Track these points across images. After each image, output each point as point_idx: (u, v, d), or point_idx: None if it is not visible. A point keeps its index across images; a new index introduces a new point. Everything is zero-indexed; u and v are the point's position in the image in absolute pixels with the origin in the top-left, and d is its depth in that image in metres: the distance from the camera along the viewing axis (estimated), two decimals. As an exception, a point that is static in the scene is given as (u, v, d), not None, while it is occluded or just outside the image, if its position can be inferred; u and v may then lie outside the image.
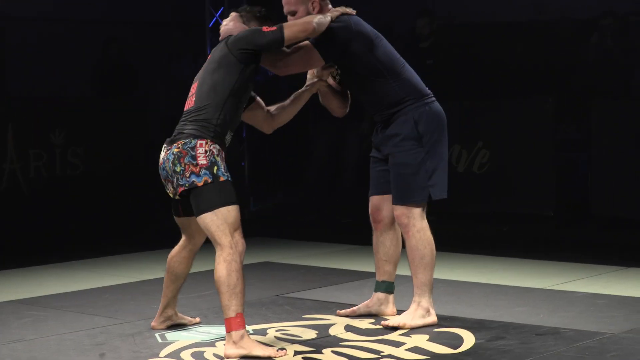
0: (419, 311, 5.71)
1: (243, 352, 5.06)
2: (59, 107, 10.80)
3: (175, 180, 5.18)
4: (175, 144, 5.21)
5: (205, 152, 5.15)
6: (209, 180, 5.12)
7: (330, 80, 5.86)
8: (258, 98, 5.71)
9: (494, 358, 5.03)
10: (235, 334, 5.08)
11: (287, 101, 5.81)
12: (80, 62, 11.97)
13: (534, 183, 9.61)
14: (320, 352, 5.14)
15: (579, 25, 10.76)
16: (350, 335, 5.50)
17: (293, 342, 5.37)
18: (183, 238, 5.60)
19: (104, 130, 10.62)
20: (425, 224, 5.70)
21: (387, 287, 5.97)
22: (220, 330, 5.55)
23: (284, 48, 5.52)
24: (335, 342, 5.36)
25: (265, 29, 5.33)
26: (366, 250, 8.13)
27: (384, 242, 5.91)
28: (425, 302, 5.71)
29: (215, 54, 5.39)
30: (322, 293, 6.66)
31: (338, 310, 6.06)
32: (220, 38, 5.51)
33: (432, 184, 5.70)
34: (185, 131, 5.24)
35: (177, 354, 5.16)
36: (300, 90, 5.82)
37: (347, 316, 5.96)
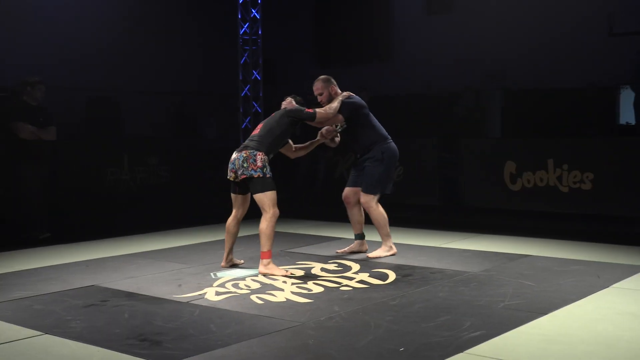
0: (385, 248, 6.06)
1: (269, 271, 5.37)
2: (154, 141, 10.78)
3: (241, 171, 5.38)
4: (244, 151, 5.44)
5: (261, 159, 5.38)
6: (261, 175, 5.36)
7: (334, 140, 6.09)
8: (290, 142, 5.94)
9: (404, 286, 5.09)
10: (265, 261, 5.39)
11: (306, 144, 6.07)
12: (162, 116, 11.92)
13: (427, 186, 9.62)
14: (306, 283, 5.16)
15: (450, 95, 10.79)
16: (323, 274, 5.52)
17: (290, 277, 5.37)
18: (234, 210, 5.68)
19: (179, 156, 10.59)
20: (378, 205, 6.02)
21: (361, 236, 6.24)
22: (250, 272, 5.56)
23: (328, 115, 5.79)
24: (315, 277, 5.39)
25: (307, 110, 5.69)
26: (327, 225, 8.09)
27: (354, 213, 6.16)
28: (388, 243, 6.08)
29: (277, 114, 5.69)
30: (306, 249, 6.64)
31: (337, 250, 6.30)
32: (281, 107, 5.82)
33: (384, 185, 6.01)
34: (250, 145, 5.47)
35: (223, 284, 5.18)
36: (314, 141, 6.08)
37: (342, 253, 6.20)
